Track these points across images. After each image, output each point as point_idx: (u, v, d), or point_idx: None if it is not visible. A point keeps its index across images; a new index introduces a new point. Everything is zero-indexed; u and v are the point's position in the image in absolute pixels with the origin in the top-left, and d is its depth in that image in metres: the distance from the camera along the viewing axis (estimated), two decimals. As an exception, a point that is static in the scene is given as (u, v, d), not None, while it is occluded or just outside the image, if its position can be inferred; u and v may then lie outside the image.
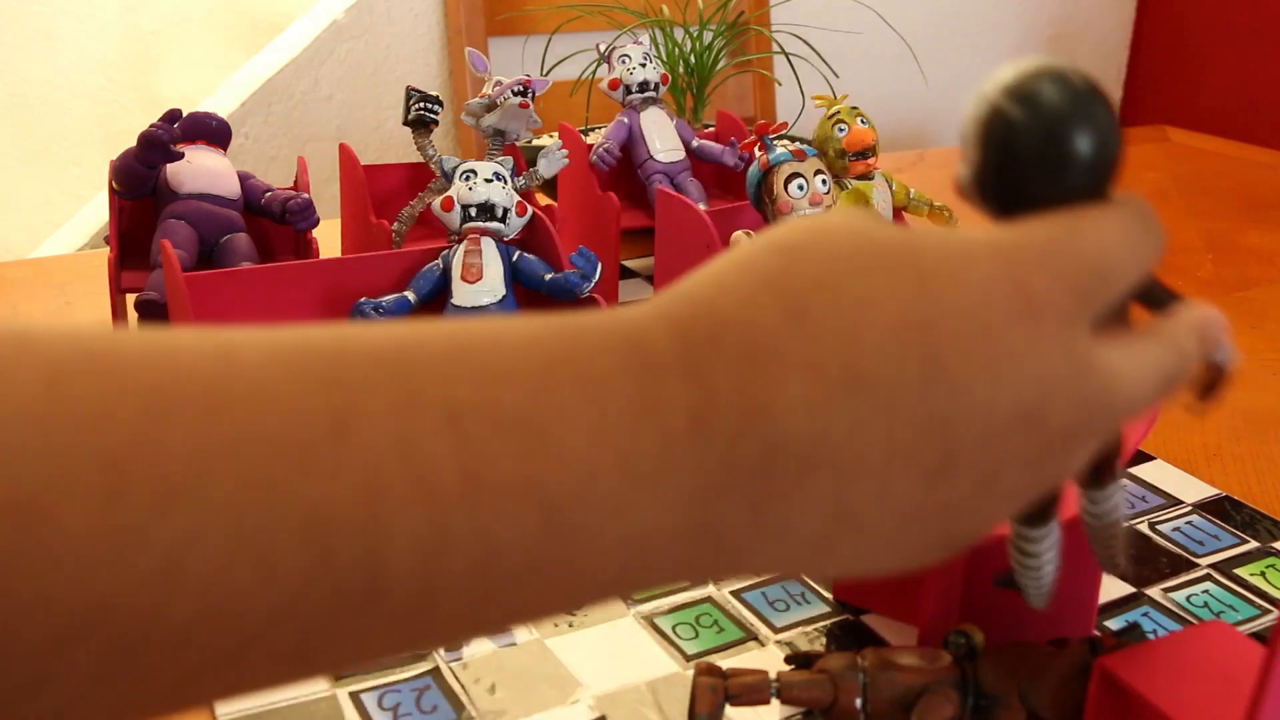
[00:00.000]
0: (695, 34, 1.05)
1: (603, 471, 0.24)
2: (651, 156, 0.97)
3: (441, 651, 0.51)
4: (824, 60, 1.09)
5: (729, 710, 0.46)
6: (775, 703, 0.45)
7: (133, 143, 0.74)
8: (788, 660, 0.48)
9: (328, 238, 0.88)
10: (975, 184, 0.31)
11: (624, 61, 0.97)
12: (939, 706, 0.44)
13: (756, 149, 0.75)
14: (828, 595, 0.56)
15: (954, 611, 0.53)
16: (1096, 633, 0.53)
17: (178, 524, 0.21)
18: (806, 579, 0.57)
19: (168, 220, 0.75)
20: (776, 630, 0.54)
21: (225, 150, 0.80)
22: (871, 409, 0.25)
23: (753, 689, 0.44)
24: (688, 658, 0.51)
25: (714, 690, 0.44)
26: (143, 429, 0.21)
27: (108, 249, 0.76)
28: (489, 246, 0.69)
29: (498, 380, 0.24)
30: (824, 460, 0.25)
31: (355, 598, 0.22)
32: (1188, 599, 0.57)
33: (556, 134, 1.06)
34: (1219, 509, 0.65)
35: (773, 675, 0.45)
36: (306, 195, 0.79)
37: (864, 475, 0.26)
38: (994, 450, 0.26)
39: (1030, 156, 0.30)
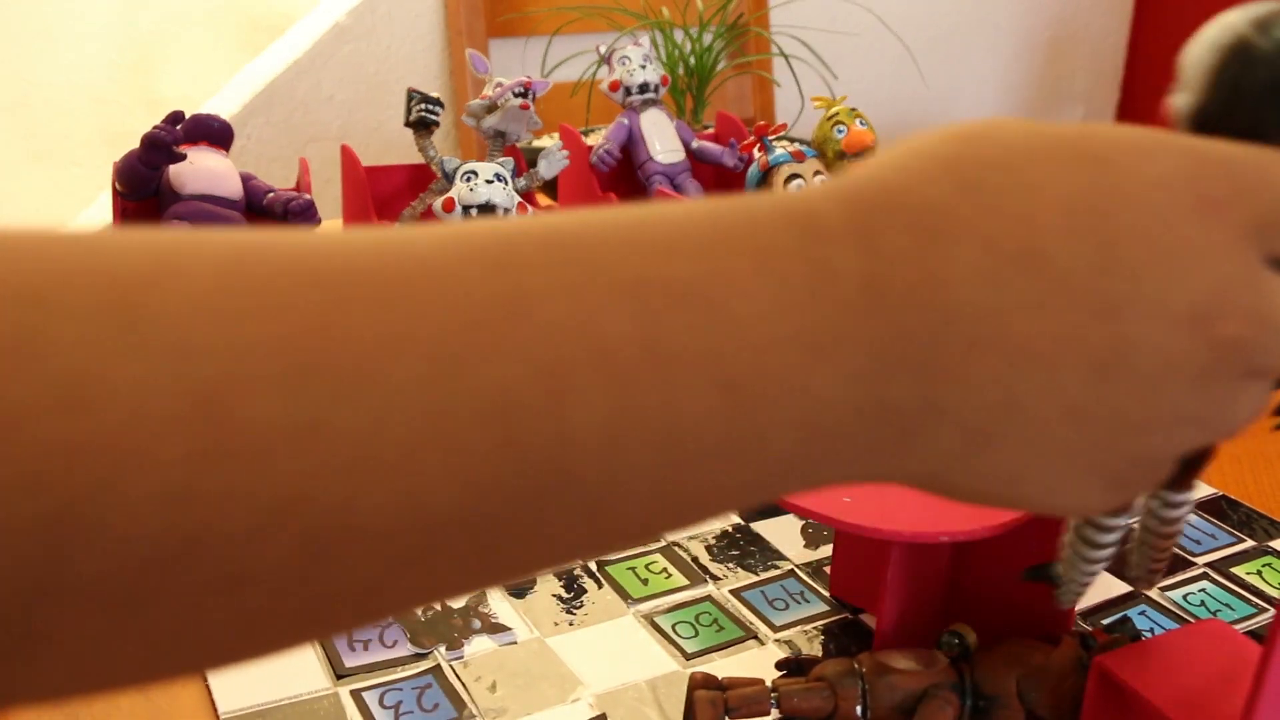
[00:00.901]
0: (695, 35, 1.05)
1: (780, 343, 0.23)
2: (651, 157, 0.97)
3: (443, 649, 0.52)
4: (823, 62, 1.09)
5: None
6: (774, 713, 0.45)
7: (135, 144, 0.74)
8: (779, 665, 0.48)
9: (329, 238, 0.88)
10: (1198, 112, 0.31)
11: (624, 63, 0.97)
12: (939, 711, 0.44)
13: (756, 150, 0.76)
14: (825, 594, 0.56)
15: (932, 610, 0.53)
16: (1089, 628, 0.53)
17: (363, 411, 0.20)
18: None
19: (170, 221, 0.75)
20: (775, 629, 0.54)
21: (227, 151, 0.81)
22: (1044, 289, 0.25)
23: (752, 700, 0.44)
24: (687, 656, 0.52)
25: (713, 704, 0.44)
26: (321, 317, 0.21)
27: (110, 250, 0.76)
28: (490, 247, 0.69)
29: (673, 254, 0.23)
30: (993, 340, 0.25)
31: (542, 484, 0.22)
32: (1184, 597, 0.57)
33: (557, 135, 1.06)
34: (1216, 508, 0.65)
35: (768, 681, 0.45)
36: (308, 196, 0.79)
37: (1032, 361, 0.25)
38: (1164, 350, 0.26)
39: (1266, 89, 0.30)
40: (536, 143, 1.09)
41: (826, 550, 0.59)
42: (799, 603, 0.56)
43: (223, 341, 0.20)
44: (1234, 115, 0.30)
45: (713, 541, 0.61)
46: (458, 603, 0.55)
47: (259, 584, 0.21)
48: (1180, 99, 0.31)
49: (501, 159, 0.74)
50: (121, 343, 0.20)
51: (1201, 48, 0.31)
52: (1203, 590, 0.57)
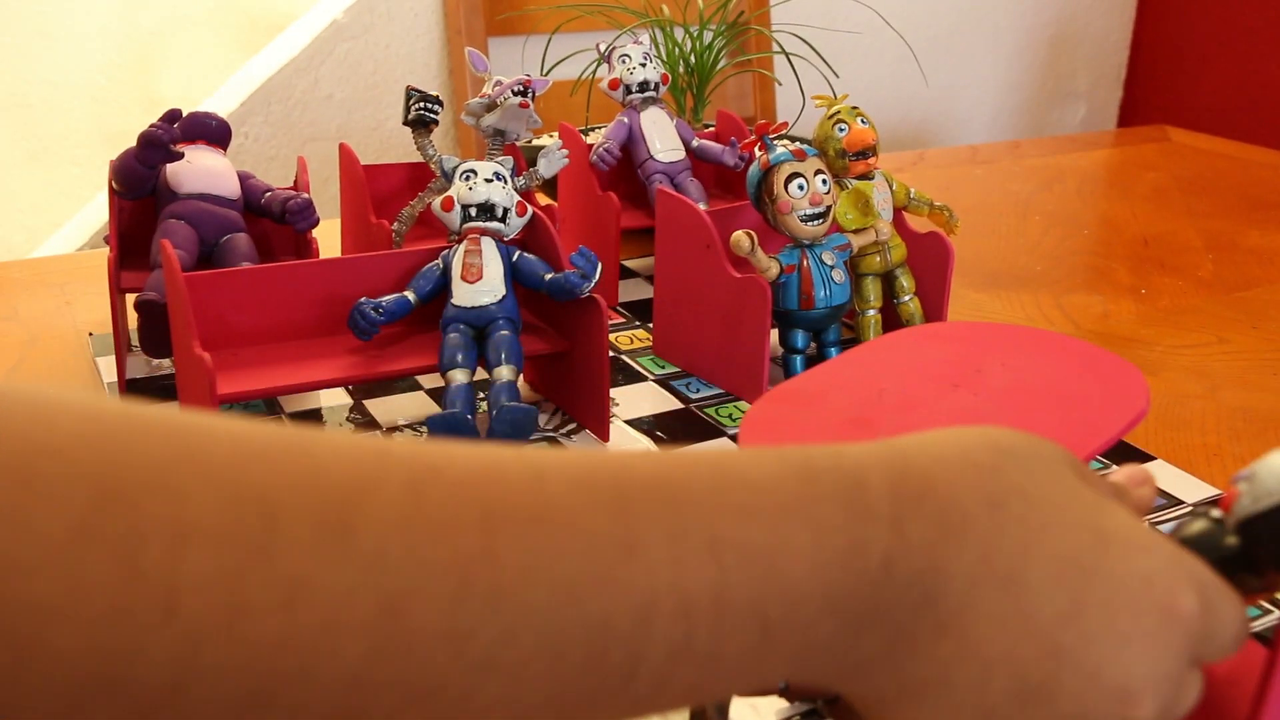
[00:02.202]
0: (695, 34, 1.04)
1: (809, 599, 0.29)
2: (651, 156, 0.96)
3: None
4: (824, 60, 1.09)
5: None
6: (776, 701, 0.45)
7: (132, 143, 0.74)
8: None
9: (328, 238, 0.88)
10: (1249, 522, 0.35)
11: (624, 61, 0.97)
12: None
13: (756, 149, 0.75)
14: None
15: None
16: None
17: (502, 624, 0.26)
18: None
19: (167, 220, 0.75)
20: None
21: (225, 150, 0.80)
22: (1012, 612, 0.30)
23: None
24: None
25: None
26: (480, 544, 0.26)
27: (107, 249, 0.76)
28: (489, 246, 0.69)
29: (749, 518, 0.29)
30: (956, 632, 0.30)
31: (610, 688, 0.27)
32: (1188, 599, 0.57)
33: (556, 134, 1.05)
34: (1220, 509, 0.65)
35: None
36: (306, 195, 0.79)
37: (977, 660, 0.30)
38: (1084, 706, 0.30)
39: None
40: (536, 141, 1.09)
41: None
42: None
43: (406, 557, 0.25)
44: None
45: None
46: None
47: None
48: (1247, 498, 0.35)
49: (501, 158, 0.74)
50: (330, 553, 0.25)
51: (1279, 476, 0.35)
52: (1207, 592, 0.57)
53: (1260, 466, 0.35)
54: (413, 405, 0.74)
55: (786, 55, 1.08)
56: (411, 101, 0.82)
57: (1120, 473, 0.39)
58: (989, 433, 0.33)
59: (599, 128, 1.09)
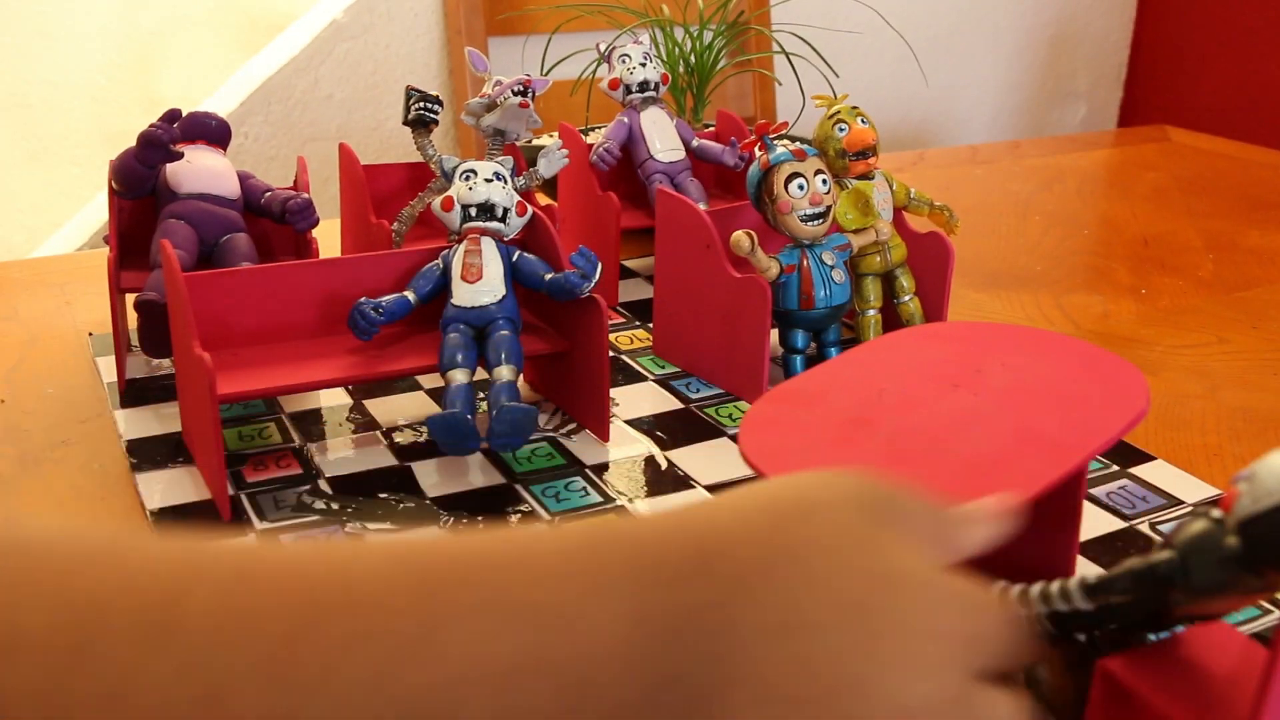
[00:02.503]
0: (695, 33, 1.04)
1: (610, 662, 0.30)
2: (651, 156, 0.96)
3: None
4: (824, 60, 1.08)
5: None
6: None
7: (132, 143, 0.74)
8: None
9: (328, 238, 0.88)
10: (1248, 522, 0.35)
11: (624, 61, 0.97)
12: None
13: (756, 149, 0.75)
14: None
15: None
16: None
17: (320, 706, 0.28)
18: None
19: (167, 220, 0.75)
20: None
21: (225, 150, 0.80)
22: (801, 652, 0.31)
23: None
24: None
25: None
26: (294, 628, 0.28)
27: (107, 249, 0.76)
28: (489, 246, 0.69)
29: (544, 587, 0.31)
30: (748, 681, 0.31)
31: None
32: (1189, 599, 0.57)
33: (556, 134, 1.05)
34: (1220, 509, 0.65)
35: None
36: (306, 195, 0.79)
37: (772, 706, 0.31)
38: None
39: None
40: (536, 141, 1.09)
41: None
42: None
43: (223, 648, 0.27)
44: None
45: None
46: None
47: None
48: (1247, 498, 0.35)
49: (501, 158, 0.74)
50: (154, 647, 0.27)
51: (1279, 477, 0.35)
52: (1207, 592, 0.57)
53: (1260, 467, 0.35)
54: (413, 405, 0.74)
55: (786, 55, 1.08)
56: (411, 101, 0.82)
57: (970, 506, 0.40)
58: (775, 494, 0.35)
59: (599, 128, 1.09)
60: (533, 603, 0.31)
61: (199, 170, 0.77)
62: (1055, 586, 0.41)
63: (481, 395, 0.70)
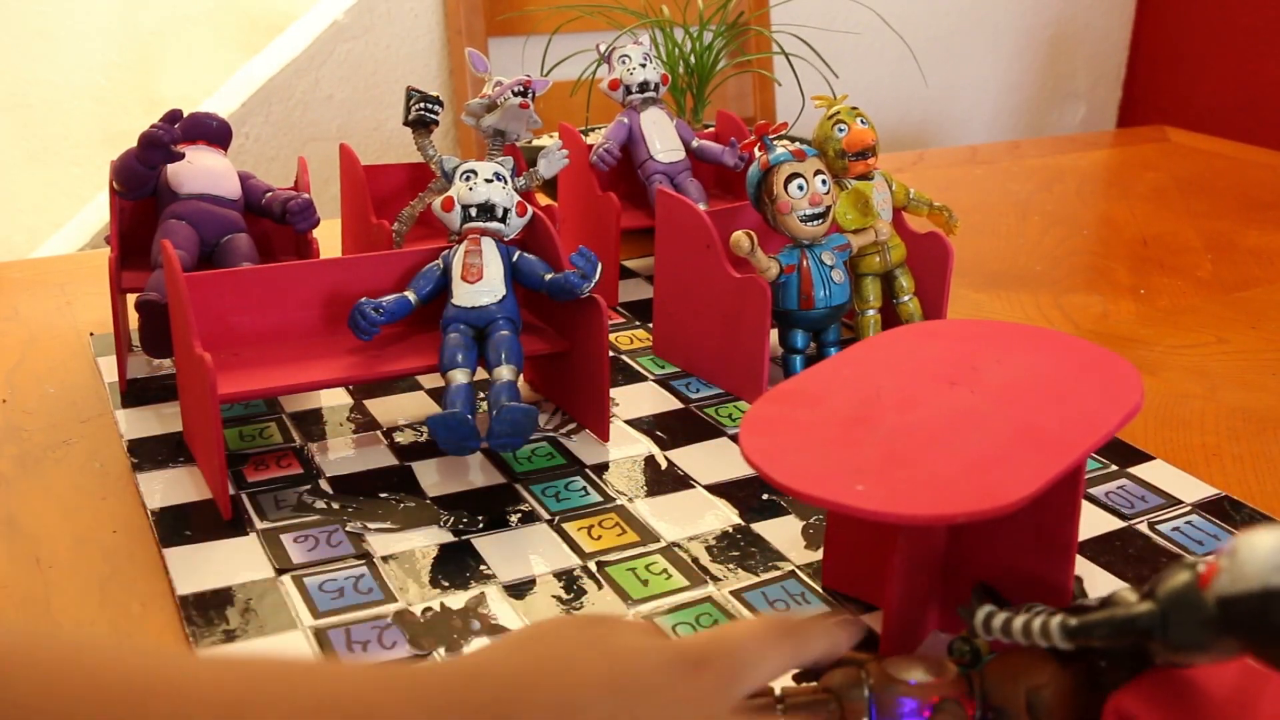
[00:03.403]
0: (695, 34, 1.05)
1: None
2: (651, 156, 0.97)
3: (442, 651, 0.51)
4: (824, 60, 1.09)
5: None
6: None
7: (133, 143, 0.74)
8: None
9: (328, 238, 0.88)
10: (1226, 601, 0.35)
11: (624, 62, 0.97)
12: None
13: (756, 149, 0.75)
14: (827, 596, 0.56)
15: (928, 599, 0.53)
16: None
17: None
18: (802, 576, 0.58)
19: (168, 220, 0.75)
20: (776, 630, 0.54)
21: (225, 150, 0.80)
22: None
23: (761, 710, 0.43)
24: (688, 657, 0.52)
25: None
26: None
27: (108, 249, 0.76)
28: (489, 246, 0.69)
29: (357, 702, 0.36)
30: None
31: None
32: (1187, 599, 0.57)
33: (556, 134, 1.06)
34: (1219, 509, 0.65)
35: (776, 689, 0.44)
36: (307, 195, 0.79)
37: None
38: None
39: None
40: (536, 142, 1.09)
41: (827, 551, 0.59)
42: (800, 604, 0.56)
43: None
44: (1255, 630, 0.35)
45: (713, 542, 0.60)
46: (457, 604, 0.55)
47: None
48: (1226, 576, 0.35)
49: (501, 158, 0.74)
50: None
51: (1259, 565, 0.35)
52: (1205, 591, 0.57)
53: (1242, 545, 0.36)
54: (413, 405, 0.74)
55: (786, 55, 1.08)
56: (412, 102, 0.82)
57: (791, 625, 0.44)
58: (530, 647, 0.40)
59: (599, 128, 1.09)
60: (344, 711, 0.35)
61: (200, 171, 0.77)
62: (1037, 623, 0.41)
63: (481, 395, 0.70)
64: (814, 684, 0.45)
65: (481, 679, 0.38)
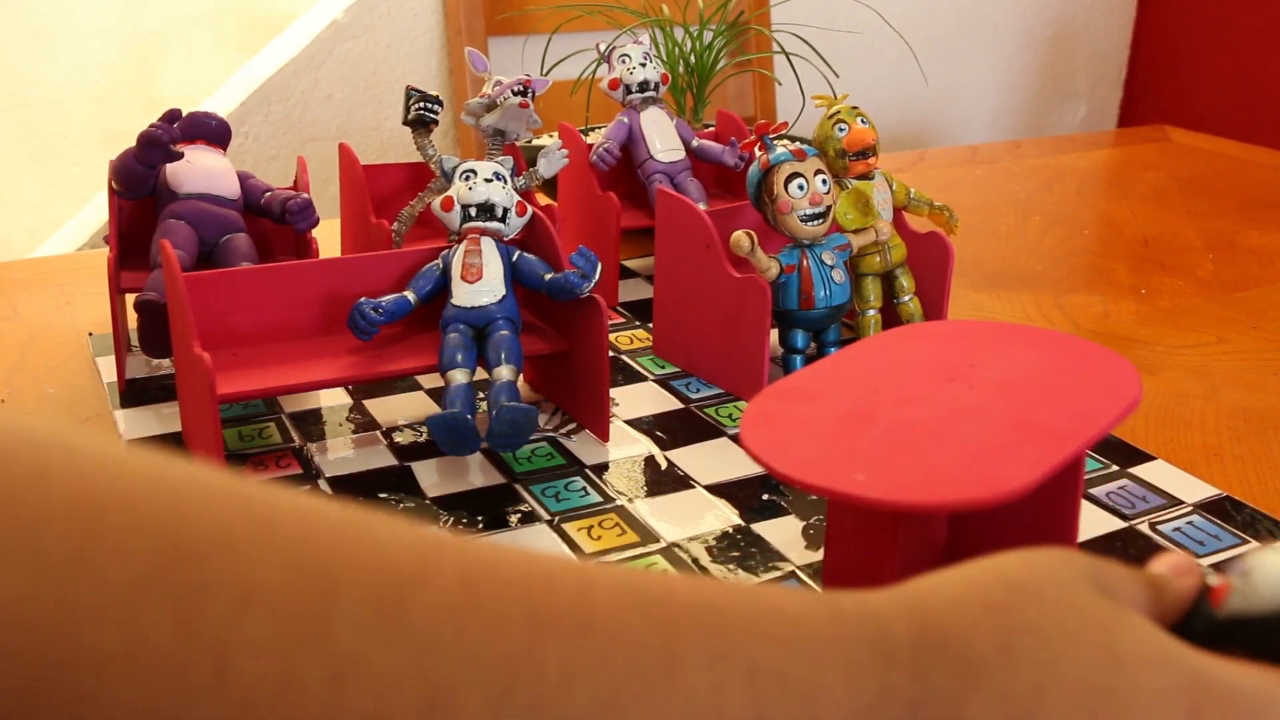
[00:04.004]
0: (695, 34, 1.04)
1: None
2: (651, 156, 0.96)
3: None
4: (824, 60, 1.09)
5: None
6: None
7: (132, 143, 0.74)
8: None
9: (328, 238, 0.88)
10: (1239, 621, 0.35)
11: (624, 61, 0.97)
12: None
13: (756, 149, 0.75)
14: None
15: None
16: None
17: None
18: (805, 579, 0.57)
19: (167, 220, 0.75)
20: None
21: (225, 150, 0.80)
22: None
23: None
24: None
25: None
26: (526, 644, 0.26)
27: (107, 249, 0.76)
28: (489, 246, 0.69)
29: (787, 650, 0.29)
30: None
31: None
32: (1188, 599, 0.56)
33: (556, 134, 1.05)
34: (1220, 509, 0.65)
35: None
36: (306, 195, 0.79)
37: None
38: None
39: None
40: (536, 141, 1.09)
41: (828, 551, 0.59)
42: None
43: (455, 646, 0.25)
44: (1269, 653, 0.34)
45: (713, 543, 0.60)
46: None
47: None
48: (1239, 597, 0.35)
49: (501, 158, 0.74)
50: (384, 635, 0.25)
51: (1275, 584, 0.35)
52: (1207, 592, 0.57)
53: (1257, 564, 0.35)
54: (413, 405, 0.74)
55: (786, 55, 1.08)
56: (411, 101, 0.82)
57: (1162, 563, 0.38)
58: (1004, 568, 0.33)
59: (599, 128, 1.09)
60: (772, 666, 0.29)
61: (199, 170, 0.77)
62: None
63: (481, 395, 0.70)
64: None
65: (950, 639, 0.31)
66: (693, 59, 1.05)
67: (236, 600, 0.24)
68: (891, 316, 0.82)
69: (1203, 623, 0.36)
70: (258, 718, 0.24)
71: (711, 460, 0.68)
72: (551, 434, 0.71)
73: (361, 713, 0.24)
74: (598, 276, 0.67)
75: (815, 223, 0.73)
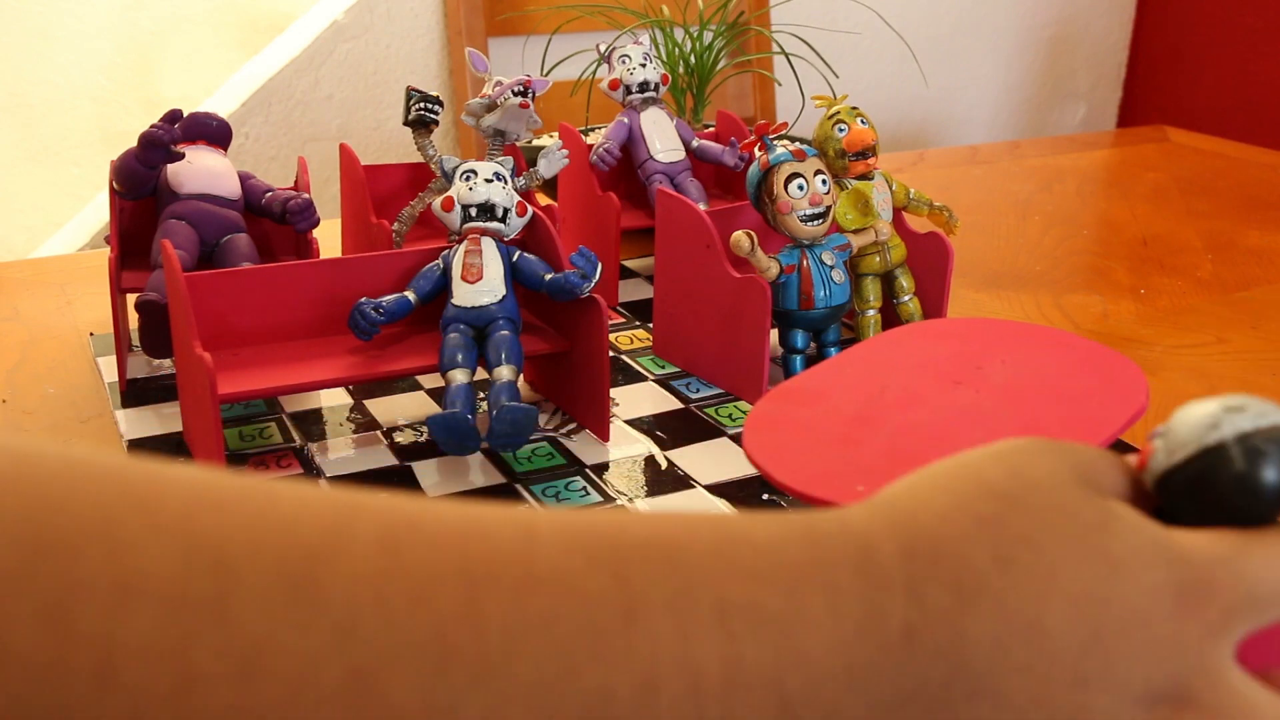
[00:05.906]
0: (695, 34, 1.04)
1: (831, 676, 0.27)
2: (651, 156, 0.97)
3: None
4: (824, 60, 1.09)
5: None
6: None
7: (133, 143, 0.74)
8: None
9: (328, 238, 0.88)
10: (1165, 477, 0.33)
11: (624, 62, 0.97)
12: None
13: (756, 149, 0.75)
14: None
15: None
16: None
17: (488, 699, 0.23)
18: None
19: (168, 220, 0.75)
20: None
21: (225, 150, 0.80)
22: (1035, 656, 0.29)
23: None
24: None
25: None
26: (462, 607, 0.23)
27: (108, 249, 0.76)
28: (489, 246, 0.69)
29: (758, 582, 0.27)
30: (987, 693, 0.28)
31: None
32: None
33: (556, 134, 1.06)
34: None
35: None
36: (307, 195, 0.79)
37: (1010, 711, 0.29)
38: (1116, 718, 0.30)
39: (1232, 495, 0.32)
40: (536, 141, 1.09)
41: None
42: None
43: (379, 623, 0.23)
44: (1201, 500, 0.33)
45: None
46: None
47: None
48: (1161, 454, 0.34)
49: (501, 158, 0.74)
50: (295, 616, 0.22)
51: (1189, 429, 0.33)
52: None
53: (1175, 419, 0.34)
54: (413, 405, 0.74)
55: (786, 55, 1.08)
56: (412, 102, 0.82)
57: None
58: (984, 472, 0.31)
59: (599, 128, 1.09)
60: (743, 601, 0.26)
61: (200, 171, 0.77)
62: None
63: (481, 395, 0.70)
64: None
65: (942, 556, 0.29)
66: (692, 59, 1.05)
67: (117, 594, 0.22)
68: (891, 316, 0.82)
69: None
70: None
71: (711, 460, 0.68)
72: (552, 434, 0.71)
73: (276, 707, 0.22)
74: (598, 276, 0.67)
75: (815, 223, 0.73)
